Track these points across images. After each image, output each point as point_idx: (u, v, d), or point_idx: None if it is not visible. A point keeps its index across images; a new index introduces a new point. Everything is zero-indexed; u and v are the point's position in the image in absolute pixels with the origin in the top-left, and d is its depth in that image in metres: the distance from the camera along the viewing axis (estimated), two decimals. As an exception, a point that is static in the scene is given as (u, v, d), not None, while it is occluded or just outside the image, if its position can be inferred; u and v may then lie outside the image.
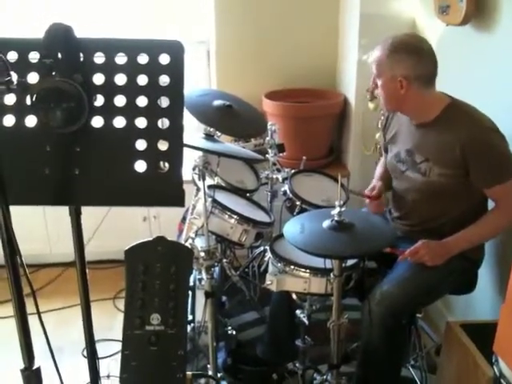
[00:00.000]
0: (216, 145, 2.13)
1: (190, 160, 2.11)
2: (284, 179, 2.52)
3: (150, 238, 1.17)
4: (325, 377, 1.98)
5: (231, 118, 2.38)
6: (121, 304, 3.02)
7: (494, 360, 1.56)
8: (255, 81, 3.43)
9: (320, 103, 3.39)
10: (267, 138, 2.60)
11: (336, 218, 1.73)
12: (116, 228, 3.25)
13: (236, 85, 3.15)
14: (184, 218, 2.69)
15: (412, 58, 1.89)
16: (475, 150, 1.85)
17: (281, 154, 2.68)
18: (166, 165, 1.19)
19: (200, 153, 2.04)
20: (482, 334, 1.75)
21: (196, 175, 2.22)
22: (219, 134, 2.32)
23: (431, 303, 2.21)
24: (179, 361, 1.06)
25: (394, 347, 2.00)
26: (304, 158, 2.63)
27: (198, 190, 2.27)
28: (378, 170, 2.48)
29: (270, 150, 2.60)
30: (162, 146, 1.19)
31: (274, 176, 2.61)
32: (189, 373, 1.09)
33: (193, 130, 2.65)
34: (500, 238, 2.15)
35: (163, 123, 1.19)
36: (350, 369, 2.17)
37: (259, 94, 3.30)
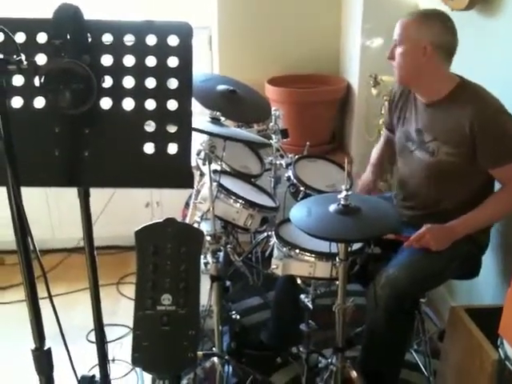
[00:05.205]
0: (224, 129, 2.12)
1: (195, 145, 2.09)
2: (288, 165, 2.51)
3: (160, 220, 1.17)
4: (329, 360, 1.99)
5: (235, 103, 2.37)
6: (124, 289, 3.04)
7: (499, 343, 1.56)
8: (258, 66, 3.42)
9: (323, 89, 3.37)
10: (271, 124, 2.59)
11: (342, 202, 1.73)
12: (118, 214, 3.24)
13: (238, 71, 3.13)
14: (187, 204, 2.69)
15: (439, 24, 1.90)
16: (484, 128, 1.85)
17: (284, 140, 2.67)
18: (175, 147, 1.18)
19: (205, 137, 2.03)
20: (486, 319, 1.76)
21: (200, 160, 2.21)
22: (223, 118, 2.31)
23: (435, 287, 2.22)
24: (190, 340, 1.07)
25: (399, 331, 2.01)
26: (308, 143, 2.63)
27: (202, 175, 2.26)
28: (374, 155, 2.47)
29: (273, 136, 2.60)
30: (171, 128, 1.19)
31: (278, 162, 2.60)
32: (199, 352, 1.09)
33: (196, 114, 2.64)
34: (504, 222, 2.15)
35: (172, 105, 1.19)
36: (354, 353, 2.18)
37: (262, 79, 3.28)
